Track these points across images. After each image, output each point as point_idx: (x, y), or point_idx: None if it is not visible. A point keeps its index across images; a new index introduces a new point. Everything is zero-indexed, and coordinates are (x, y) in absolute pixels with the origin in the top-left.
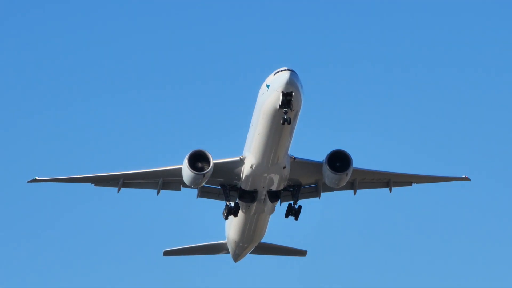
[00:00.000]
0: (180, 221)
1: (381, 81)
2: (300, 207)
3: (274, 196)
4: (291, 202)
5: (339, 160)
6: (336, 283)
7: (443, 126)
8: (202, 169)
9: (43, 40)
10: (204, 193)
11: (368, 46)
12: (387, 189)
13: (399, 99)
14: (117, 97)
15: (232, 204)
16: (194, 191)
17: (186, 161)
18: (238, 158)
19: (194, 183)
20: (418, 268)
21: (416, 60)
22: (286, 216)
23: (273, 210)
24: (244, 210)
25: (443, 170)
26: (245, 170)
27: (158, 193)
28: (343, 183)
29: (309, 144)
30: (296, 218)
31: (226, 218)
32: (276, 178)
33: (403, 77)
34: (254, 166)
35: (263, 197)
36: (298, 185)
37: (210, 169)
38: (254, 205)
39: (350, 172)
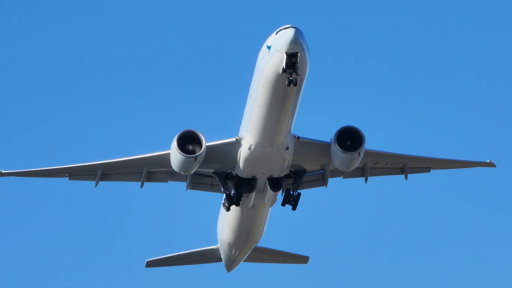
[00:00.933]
0: (166, 219)
1: (393, 53)
2: (299, 194)
3: (276, 184)
4: (290, 188)
5: (349, 138)
6: None
7: (465, 105)
8: (193, 152)
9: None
10: (195, 184)
11: (387, 16)
12: (402, 177)
13: (415, 75)
14: (91, 76)
15: (233, 191)
16: (183, 185)
17: (175, 142)
18: (234, 139)
19: (185, 168)
20: (437, 267)
21: (436, 35)
22: (283, 204)
23: (274, 200)
24: (240, 203)
25: (464, 155)
26: (243, 153)
27: (141, 185)
28: (355, 165)
29: (312, 126)
30: (294, 208)
31: (228, 209)
32: (278, 161)
33: (420, 49)
34: (252, 148)
35: (263, 185)
36: (301, 171)
37: (203, 151)
38: (252, 195)
39: (362, 151)
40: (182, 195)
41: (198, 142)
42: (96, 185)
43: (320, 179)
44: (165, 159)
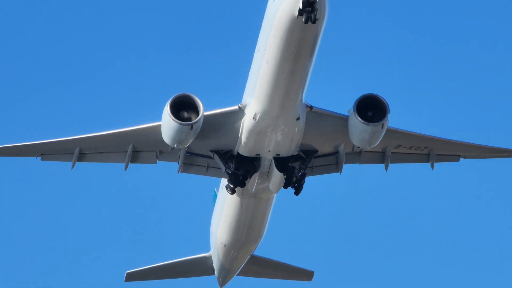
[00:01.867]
0: (150, 216)
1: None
2: (304, 175)
3: (283, 165)
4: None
5: (371, 109)
6: None
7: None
8: (188, 120)
9: None
10: (188, 166)
11: None
12: (428, 165)
13: (443, 46)
14: (70, 34)
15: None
16: (174, 166)
17: (167, 108)
18: (236, 107)
19: (178, 139)
20: (469, 269)
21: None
22: (285, 187)
23: (280, 185)
24: (246, 182)
25: (500, 143)
26: (246, 123)
27: (126, 167)
28: (377, 141)
29: (325, 98)
30: (297, 192)
31: (233, 191)
32: (287, 135)
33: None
34: (258, 116)
35: (268, 166)
36: (312, 151)
37: (200, 118)
38: (255, 178)
39: (386, 123)
40: (172, 179)
41: (194, 109)
42: (72, 166)
43: (334, 164)
44: (155, 132)
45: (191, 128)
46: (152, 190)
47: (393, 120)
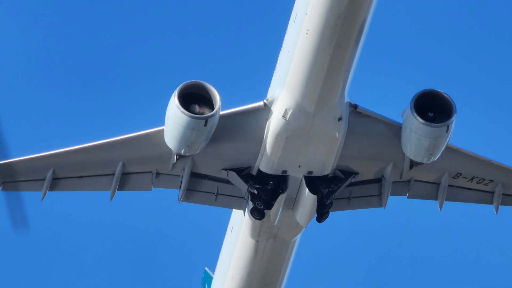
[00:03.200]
0: (143, 257)
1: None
2: (331, 203)
3: (315, 186)
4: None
5: (430, 110)
6: None
7: None
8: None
9: None
10: (193, 193)
11: None
12: (490, 208)
13: None
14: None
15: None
16: (173, 193)
17: (174, 99)
18: (260, 104)
19: (188, 140)
20: None
21: None
22: (319, 218)
23: (311, 215)
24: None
25: None
26: (273, 125)
27: (112, 196)
28: (439, 151)
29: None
30: (320, 219)
31: (262, 214)
32: (325, 142)
33: None
34: (290, 113)
35: (296, 188)
36: (349, 173)
37: (216, 112)
38: (280, 203)
39: (452, 125)
40: (173, 208)
41: (208, 104)
42: (43, 197)
43: (376, 196)
44: (154, 142)
45: (205, 124)
46: (144, 226)
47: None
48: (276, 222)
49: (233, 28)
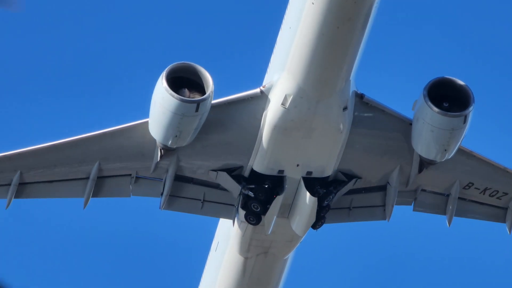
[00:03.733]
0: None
1: None
2: (329, 207)
3: (314, 188)
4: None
5: (445, 101)
6: None
7: None
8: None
9: None
10: (177, 199)
11: None
12: (503, 227)
13: None
14: None
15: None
16: (153, 202)
17: (162, 81)
18: (256, 91)
19: (177, 128)
20: None
21: None
22: (315, 226)
23: (309, 222)
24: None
25: None
26: (270, 115)
27: (85, 203)
28: (454, 147)
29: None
30: (316, 225)
31: (259, 219)
32: (327, 136)
33: None
34: (290, 100)
35: (293, 191)
36: (351, 176)
37: (209, 96)
38: (275, 209)
39: (470, 115)
40: (154, 216)
41: (199, 89)
42: (7, 204)
43: (379, 206)
44: (136, 136)
45: (197, 109)
46: (121, 236)
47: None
48: (270, 230)
49: (226, 11)
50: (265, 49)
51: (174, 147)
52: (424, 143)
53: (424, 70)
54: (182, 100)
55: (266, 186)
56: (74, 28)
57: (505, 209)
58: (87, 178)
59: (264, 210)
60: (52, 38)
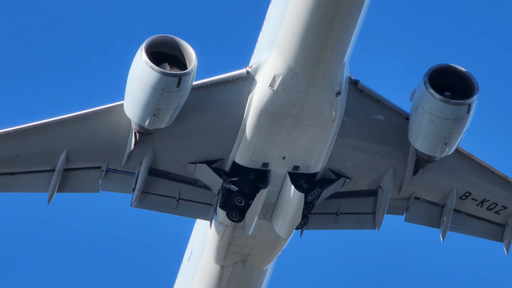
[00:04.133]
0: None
1: None
2: (313, 204)
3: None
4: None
5: (446, 89)
6: None
7: None
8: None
9: None
10: (150, 197)
11: None
12: (499, 247)
13: None
14: None
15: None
16: (124, 198)
17: (141, 53)
18: (242, 71)
19: (156, 105)
20: None
21: None
22: (299, 226)
23: (295, 222)
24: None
25: None
26: (256, 98)
27: (50, 198)
28: (456, 140)
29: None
30: (302, 225)
31: (242, 217)
32: (318, 125)
33: None
34: (279, 81)
35: (279, 185)
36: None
37: (192, 70)
38: (258, 206)
39: (474, 105)
40: (122, 217)
41: (181, 66)
42: None
43: (369, 214)
44: (110, 120)
45: (178, 84)
46: (90, 234)
47: None
48: (251, 231)
49: None
50: (253, 29)
51: (152, 128)
52: (423, 135)
53: (422, 59)
54: (163, 73)
55: (252, 177)
56: None
57: (503, 226)
58: (53, 170)
59: (249, 205)
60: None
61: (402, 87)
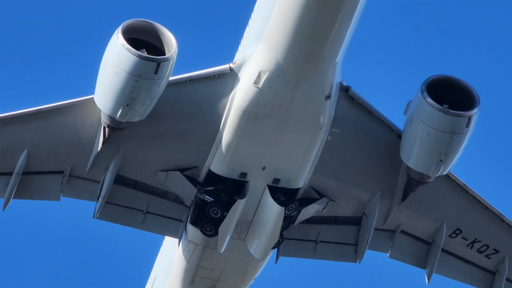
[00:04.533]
0: None
1: None
2: (289, 223)
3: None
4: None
5: (445, 102)
6: None
7: None
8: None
9: None
10: (114, 207)
11: None
12: None
13: None
14: None
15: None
16: (87, 206)
17: (118, 35)
18: (225, 67)
19: (131, 93)
20: None
21: None
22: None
23: (272, 242)
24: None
25: None
26: (239, 97)
27: (5, 204)
28: (453, 156)
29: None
30: (277, 244)
31: (215, 231)
32: (304, 131)
33: None
34: (265, 78)
35: (255, 201)
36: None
37: (171, 56)
38: (234, 215)
39: (474, 119)
40: (84, 229)
41: (158, 53)
42: None
43: (350, 245)
44: (77, 116)
45: (156, 71)
46: (47, 244)
47: None
48: (224, 248)
49: None
50: (240, 23)
51: (124, 121)
52: (417, 150)
53: (417, 73)
54: (140, 57)
55: (230, 185)
56: None
57: (493, 273)
58: (10, 173)
59: (224, 217)
60: None
61: (395, 102)
